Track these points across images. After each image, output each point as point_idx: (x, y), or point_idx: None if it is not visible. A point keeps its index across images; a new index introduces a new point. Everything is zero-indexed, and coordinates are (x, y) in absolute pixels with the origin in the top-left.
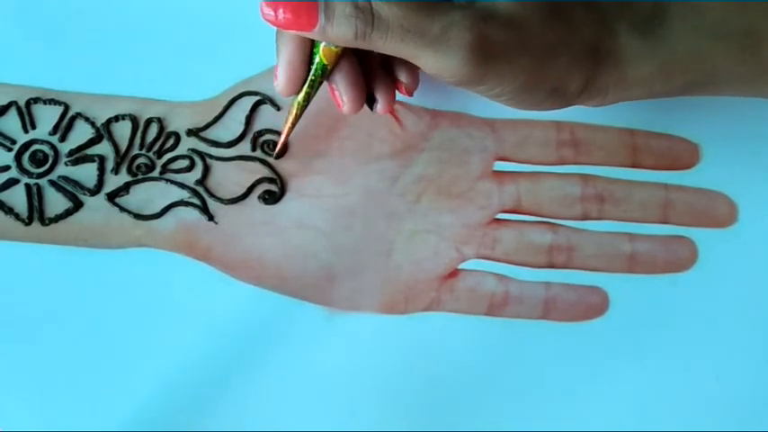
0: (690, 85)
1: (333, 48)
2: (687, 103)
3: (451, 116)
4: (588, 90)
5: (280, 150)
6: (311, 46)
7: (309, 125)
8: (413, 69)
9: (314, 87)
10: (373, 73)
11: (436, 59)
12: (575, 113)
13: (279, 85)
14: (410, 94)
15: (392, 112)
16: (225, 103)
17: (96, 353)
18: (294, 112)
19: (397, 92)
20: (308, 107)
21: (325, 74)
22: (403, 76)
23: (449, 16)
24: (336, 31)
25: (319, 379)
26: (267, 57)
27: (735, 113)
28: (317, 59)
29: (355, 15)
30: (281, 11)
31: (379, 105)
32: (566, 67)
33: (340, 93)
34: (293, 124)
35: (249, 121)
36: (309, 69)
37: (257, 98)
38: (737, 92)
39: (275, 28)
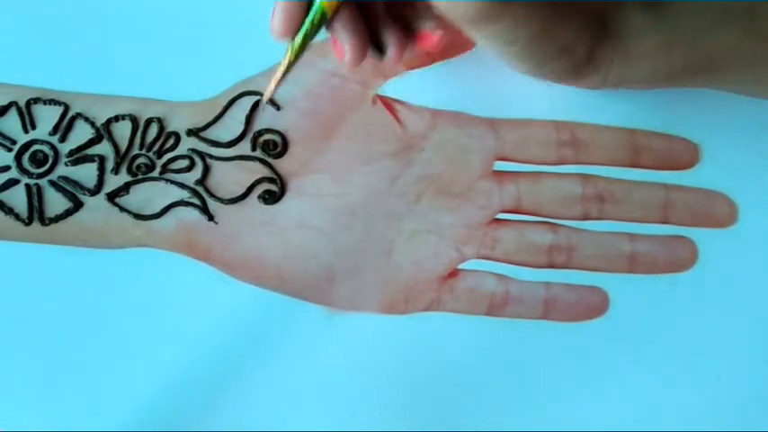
0: (692, 66)
1: None
2: (688, 102)
3: (452, 115)
4: (594, 59)
5: (268, 99)
6: None
7: (310, 124)
8: (436, 16)
9: (312, 32)
10: (378, 21)
11: None
12: (575, 112)
13: (274, 25)
14: (435, 46)
15: (391, 109)
16: (225, 102)
17: (96, 353)
18: (288, 57)
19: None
20: (309, 104)
21: (324, 20)
22: (426, 23)
23: None
24: None
25: (319, 379)
26: (267, 57)
27: (735, 113)
28: (316, 3)
29: None
30: None
31: (391, 49)
32: (576, 26)
33: (341, 40)
34: (286, 71)
35: (249, 120)
36: (307, 14)
37: (257, 98)
38: (740, 79)
39: None
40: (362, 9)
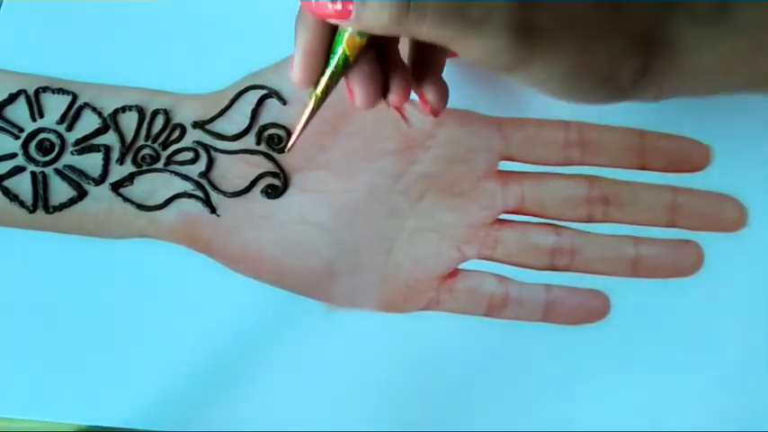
0: (748, 82)
1: (357, 39)
2: (698, 103)
3: (458, 114)
4: (641, 81)
5: (290, 147)
6: (332, 35)
7: (315, 120)
8: (440, 89)
9: (334, 80)
10: (390, 68)
11: (478, 43)
12: (584, 113)
13: (295, 75)
14: (435, 114)
15: (400, 109)
16: (231, 96)
17: (92, 342)
18: (311, 105)
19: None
20: None
21: (347, 67)
22: (429, 94)
23: None
24: (371, 16)
25: (316, 376)
26: (274, 51)
27: (746, 115)
28: (339, 51)
29: None
30: None
31: (392, 96)
32: (615, 53)
33: (356, 87)
34: (309, 119)
35: (255, 114)
36: (328, 60)
37: (263, 92)
38: None
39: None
40: (380, 53)
